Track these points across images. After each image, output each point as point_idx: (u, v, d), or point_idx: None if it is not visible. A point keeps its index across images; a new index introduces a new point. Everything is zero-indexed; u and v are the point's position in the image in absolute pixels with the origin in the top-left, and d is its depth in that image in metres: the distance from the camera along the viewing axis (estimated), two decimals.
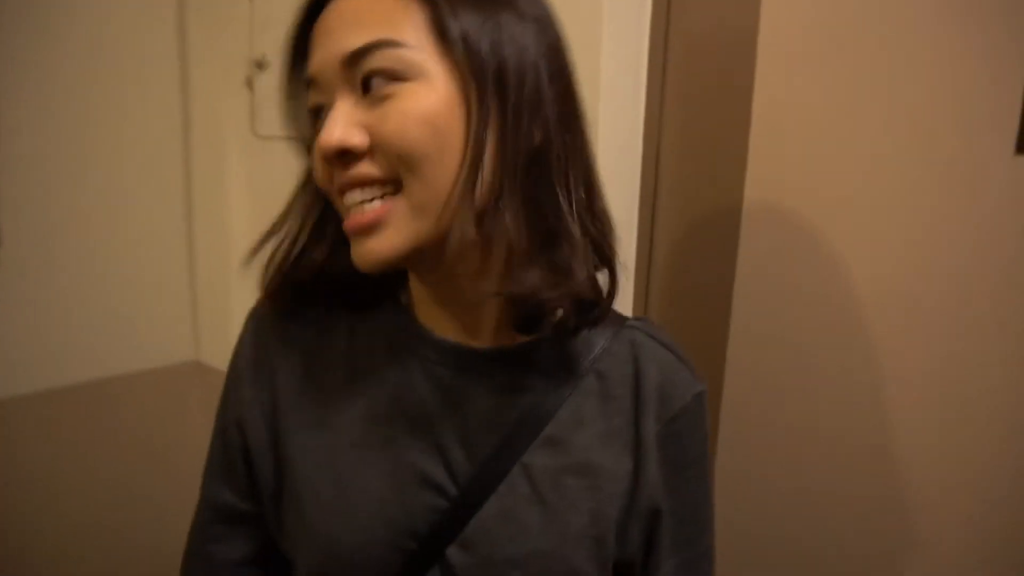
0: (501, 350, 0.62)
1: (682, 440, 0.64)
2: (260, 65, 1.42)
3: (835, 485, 0.99)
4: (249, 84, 1.45)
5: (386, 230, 0.54)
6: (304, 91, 0.57)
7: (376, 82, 0.53)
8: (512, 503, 0.60)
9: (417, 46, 0.53)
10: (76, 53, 1.40)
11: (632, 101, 1.03)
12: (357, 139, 0.53)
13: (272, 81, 1.41)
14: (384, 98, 0.53)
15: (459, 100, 0.53)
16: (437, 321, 0.63)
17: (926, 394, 0.91)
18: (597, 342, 0.64)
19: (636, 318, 0.68)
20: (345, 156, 0.54)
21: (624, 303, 1.03)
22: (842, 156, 0.94)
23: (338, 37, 0.54)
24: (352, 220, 0.55)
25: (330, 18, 0.55)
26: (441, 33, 0.53)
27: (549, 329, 0.58)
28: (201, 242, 1.63)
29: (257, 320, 0.69)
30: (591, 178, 0.60)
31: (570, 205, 0.57)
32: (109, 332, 1.51)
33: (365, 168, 0.54)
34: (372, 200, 0.54)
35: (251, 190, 1.51)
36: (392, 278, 0.65)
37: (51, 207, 1.41)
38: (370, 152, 0.54)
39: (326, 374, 0.65)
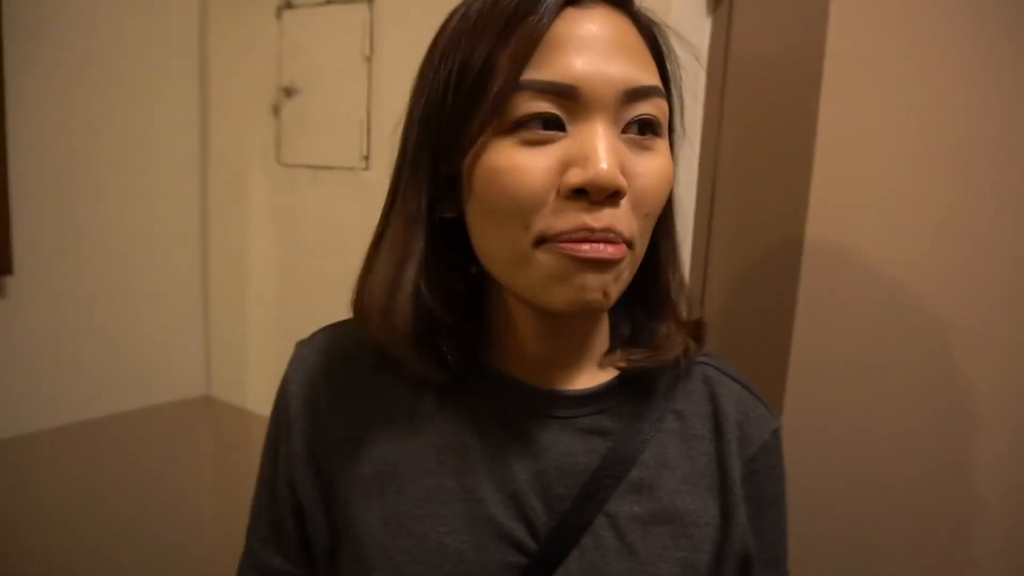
0: (580, 393, 0.59)
1: (762, 479, 0.61)
2: (288, 92, 1.38)
3: (898, 524, 0.94)
4: (275, 111, 1.41)
5: (622, 275, 0.51)
6: (516, 88, 0.48)
7: (645, 130, 0.51)
8: (597, 556, 0.55)
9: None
10: (93, 78, 1.37)
11: (688, 129, 1.00)
12: (626, 183, 0.48)
13: (301, 108, 1.38)
14: (645, 149, 0.51)
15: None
16: (517, 365, 0.59)
17: (995, 424, 0.87)
18: (671, 380, 0.61)
19: (702, 353, 0.64)
20: (605, 195, 0.48)
21: None
22: (910, 192, 0.91)
23: (619, 62, 0.49)
24: (593, 249, 0.48)
25: (600, 35, 0.49)
26: (668, 94, 0.53)
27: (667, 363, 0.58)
28: (216, 273, 1.58)
29: (304, 362, 0.63)
30: None
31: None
32: (120, 366, 1.46)
33: (619, 223, 0.49)
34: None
35: (274, 221, 1.46)
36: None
37: (64, 236, 1.36)
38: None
39: (386, 423, 0.59)
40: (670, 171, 0.52)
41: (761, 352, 1.02)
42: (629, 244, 0.50)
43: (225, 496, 1.61)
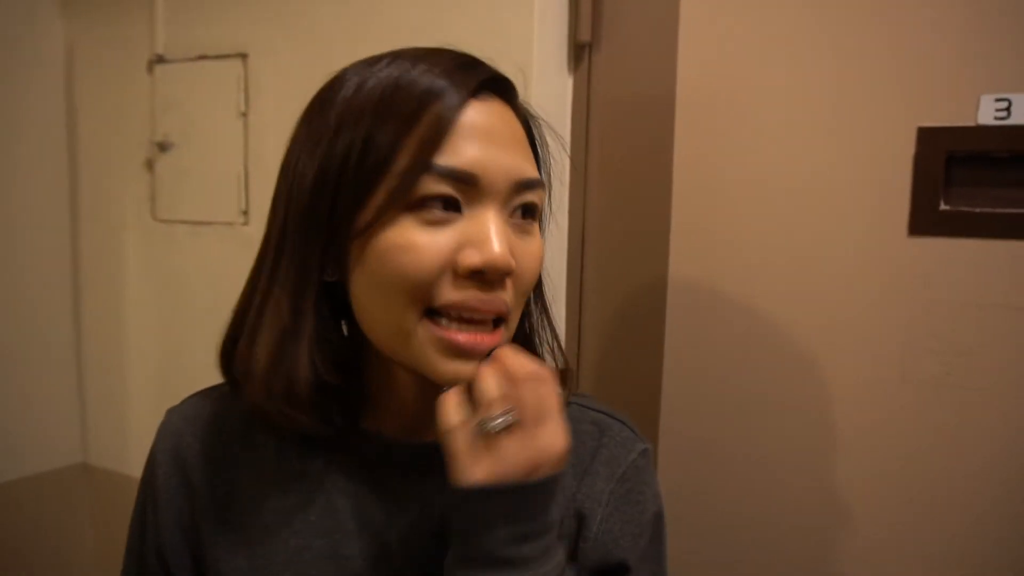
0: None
1: (634, 496, 0.62)
2: (162, 146, 1.36)
3: (766, 547, 1.00)
4: (149, 165, 1.38)
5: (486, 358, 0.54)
6: (426, 170, 0.50)
7: (526, 215, 0.55)
8: None
9: None
10: None
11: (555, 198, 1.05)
12: (514, 264, 0.52)
13: (176, 162, 1.35)
14: (526, 232, 0.55)
15: None
16: (390, 423, 0.60)
17: (856, 444, 0.95)
18: None
19: (572, 395, 0.66)
20: (499, 276, 0.52)
21: None
22: (766, 223, 0.99)
23: (512, 153, 0.53)
24: (475, 339, 0.52)
25: (497, 127, 0.53)
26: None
27: None
28: (91, 334, 1.52)
29: (170, 429, 0.63)
30: None
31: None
32: None
33: (506, 296, 0.53)
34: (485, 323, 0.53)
35: (150, 277, 1.42)
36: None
37: None
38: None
39: (254, 486, 0.60)
40: (542, 251, 0.57)
41: (635, 390, 1.08)
42: (504, 320, 0.54)
43: (106, 565, 1.53)
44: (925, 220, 0.90)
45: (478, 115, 0.52)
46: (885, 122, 0.91)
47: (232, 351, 0.57)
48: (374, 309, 0.53)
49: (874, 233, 0.92)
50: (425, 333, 0.52)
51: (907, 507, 0.93)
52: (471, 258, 0.50)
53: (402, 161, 0.50)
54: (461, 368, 0.52)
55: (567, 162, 1.05)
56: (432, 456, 0.58)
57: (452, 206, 0.51)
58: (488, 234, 0.50)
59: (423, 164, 0.50)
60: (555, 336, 0.64)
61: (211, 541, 0.59)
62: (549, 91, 1.03)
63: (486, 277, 0.51)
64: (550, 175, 0.63)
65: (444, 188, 0.50)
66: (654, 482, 0.65)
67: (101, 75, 1.44)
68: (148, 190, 1.39)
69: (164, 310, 1.41)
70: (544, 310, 0.64)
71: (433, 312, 0.52)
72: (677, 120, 1.03)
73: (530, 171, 0.54)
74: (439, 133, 0.50)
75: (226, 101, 1.28)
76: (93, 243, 1.49)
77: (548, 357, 0.64)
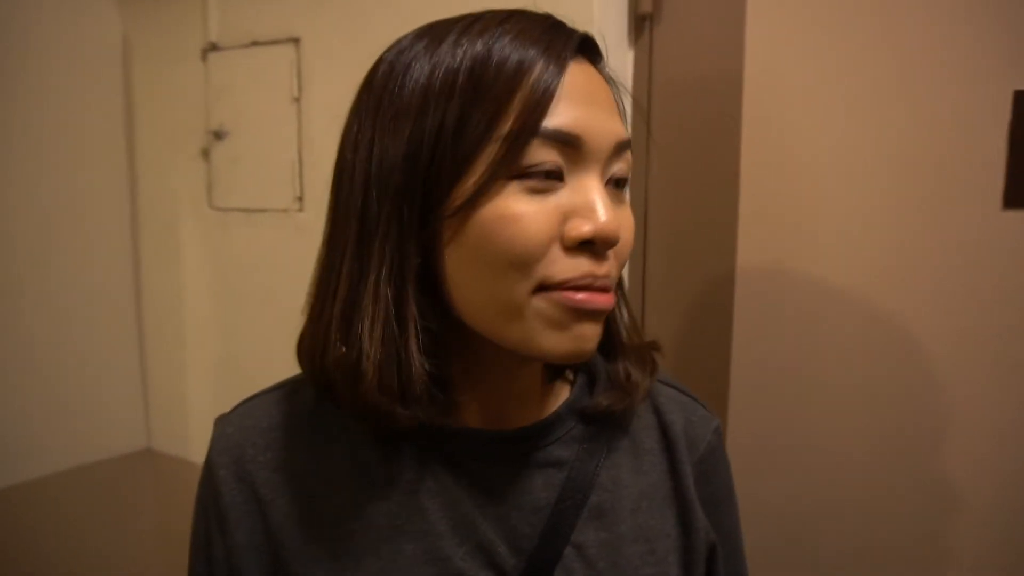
0: (530, 429, 0.58)
1: (713, 477, 0.64)
2: (217, 135, 1.36)
3: (834, 534, 0.96)
4: (205, 154, 1.39)
5: (600, 329, 0.53)
6: (534, 133, 0.48)
7: (622, 182, 0.53)
8: None
9: None
10: (14, 127, 1.32)
11: None
12: (621, 234, 0.51)
13: (231, 150, 1.35)
14: (620, 201, 0.53)
15: None
16: (469, 413, 0.57)
17: (929, 434, 0.90)
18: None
19: None
20: (608, 245, 0.50)
21: None
22: (837, 208, 0.93)
23: (609, 114, 0.52)
24: (593, 299, 0.50)
25: (595, 89, 0.52)
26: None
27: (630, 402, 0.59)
28: (152, 322, 1.54)
29: (229, 442, 0.57)
30: None
31: None
32: (56, 424, 1.40)
33: (611, 267, 0.51)
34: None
35: (208, 266, 1.43)
36: None
37: None
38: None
39: (332, 494, 0.56)
40: (633, 220, 0.55)
41: (702, 377, 1.03)
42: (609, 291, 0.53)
43: (169, 548, 1.56)
44: (1021, 192, 0.83)
45: (576, 77, 0.50)
46: (976, 86, 0.84)
47: (323, 347, 0.52)
48: (478, 288, 0.50)
49: (964, 207, 0.86)
50: (539, 304, 0.49)
51: (1001, 494, 0.87)
52: (580, 228, 0.49)
53: (503, 128, 0.48)
54: (583, 331, 0.50)
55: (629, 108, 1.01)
56: (520, 443, 0.57)
57: (554, 175, 0.49)
58: (595, 203, 0.49)
59: (530, 128, 0.48)
60: (631, 313, 0.62)
61: (293, 557, 0.55)
62: (609, 64, 0.98)
63: (596, 248, 0.49)
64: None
65: (550, 154, 0.48)
66: (725, 459, 0.66)
67: (156, 65, 1.45)
68: (204, 179, 1.40)
69: (222, 297, 1.42)
70: (619, 285, 0.60)
71: (543, 289, 0.49)
72: (745, 98, 0.97)
73: (625, 132, 0.53)
74: (544, 97, 0.48)
75: (279, 87, 1.27)
76: (152, 233, 1.51)
77: (625, 333, 0.62)
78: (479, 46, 0.49)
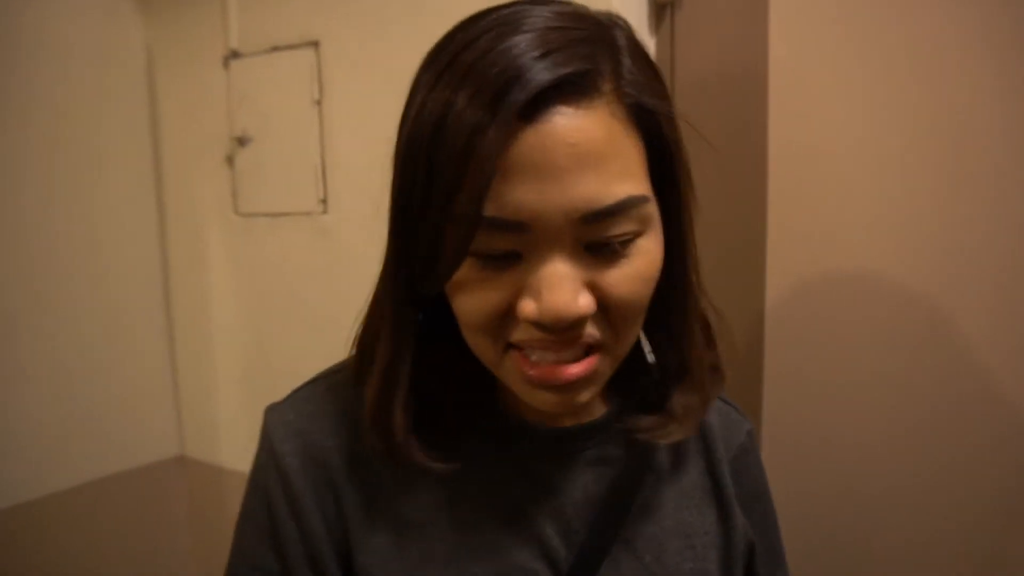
0: (584, 427, 0.59)
1: (745, 476, 0.65)
2: (241, 141, 1.37)
3: (876, 529, 0.93)
4: (229, 161, 1.40)
5: (591, 385, 0.50)
6: (477, 223, 0.44)
7: (616, 245, 0.46)
8: None
9: (650, 193, 0.48)
10: (39, 137, 1.34)
11: None
12: (590, 305, 0.46)
13: (255, 156, 1.36)
14: (618, 258, 0.46)
15: (662, 234, 0.50)
16: (522, 406, 0.57)
17: (968, 427, 0.87)
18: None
19: None
20: (562, 327, 0.46)
21: None
22: (868, 200, 0.90)
23: (571, 182, 0.43)
24: (552, 373, 0.47)
25: (554, 149, 0.43)
26: (659, 168, 0.49)
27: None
28: (182, 329, 1.55)
29: (291, 428, 0.56)
30: None
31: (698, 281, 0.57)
32: (89, 433, 1.42)
33: (588, 331, 0.47)
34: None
35: (235, 272, 1.44)
36: None
37: (23, 302, 1.33)
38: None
39: (394, 484, 0.56)
40: (652, 265, 0.48)
41: (734, 378, 1.01)
42: (601, 346, 0.49)
43: (203, 555, 1.56)
44: None
45: (528, 145, 0.43)
46: (1008, 74, 0.81)
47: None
48: (467, 336, 0.51)
49: (999, 198, 0.83)
50: (509, 364, 0.50)
51: None
52: (527, 309, 0.46)
53: (457, 209, 0.44)
54: (547, 399, 0.49)
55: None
56: (574, 441, 0.58)
57: (511, 254, 0.46)
58: (540, 286, 0.45)
59: (471, 217, 0.43)
60: (708, 330, 0.60)
61: (360, 546, 0.55)
62: None
63: (548, 329, 0.46)
64: (682, 154, 0.51)
65: (499, 239, 0.45)
66: (759, 461, 0.67)
67: (179, 73, 1.46)
68: (229, 185, 1.41)
69: (249, 301, 1.43)
70: (684, 311, 0.55)
71: (513, 347, 0.49)
72: (771, 92, 0.95)
73: (605, 198, 0.44)
74: (482, 178, 0.43)
75: (300, 91, 1.28)
76: (179, 241, 1.52)
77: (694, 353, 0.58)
78: (440, 104, 0.44)
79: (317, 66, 1.26)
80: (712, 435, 0.63)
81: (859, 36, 0.89)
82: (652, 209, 0.48)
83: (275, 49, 1.31)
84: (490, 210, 0.43)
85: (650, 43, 1.01)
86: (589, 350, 0.48)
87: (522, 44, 0.43)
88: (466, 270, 0.47)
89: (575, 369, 0.48)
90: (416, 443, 0.53)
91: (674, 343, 0.56)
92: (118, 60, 1.45)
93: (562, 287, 0.44)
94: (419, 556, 0.55)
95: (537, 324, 0.46)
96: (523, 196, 0.43)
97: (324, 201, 1.28)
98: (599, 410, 0.60)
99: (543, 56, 0.43)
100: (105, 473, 1.45)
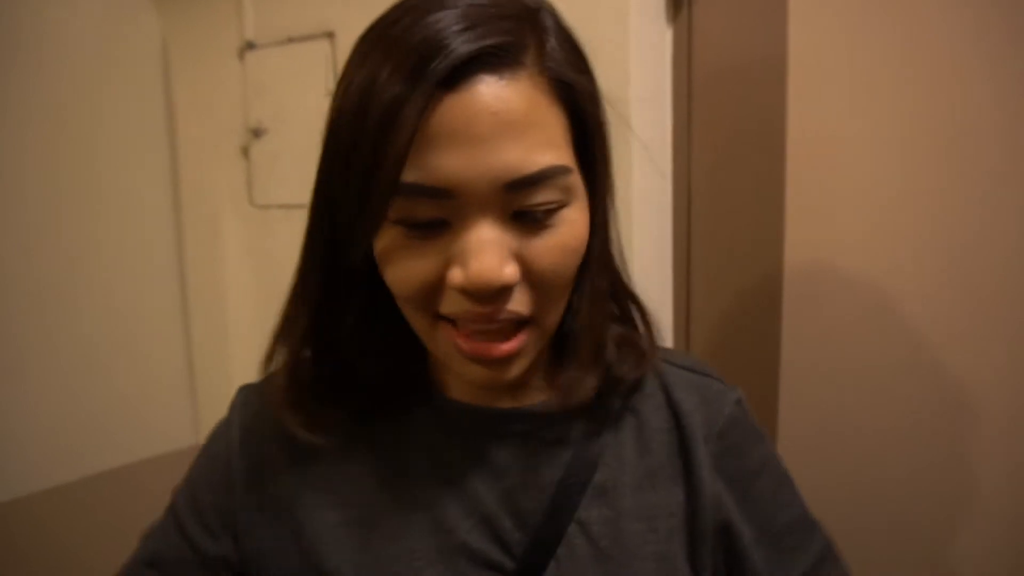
0: (535, 409, 0.58)
1: (738, 450, 0.60)
2: (256, 132, 1.37)
3: (892, 520, 0.92)
4: (245, 152, 1.40)
5: (521, 358, 0.51)
6: (395, 191, 0.45)
7: (539, 214, 0.47)
8: (573, 566, 0.56)
9: (573, 164, 0.49)
10: (55, 129, 1.35)
11: (659, 147, 0.99)
12: (515, 275, 0.47)
13: (270, 147, 1.36)
14: (542, 228, 0.48)
15: (587, 208, 0.51)
16: (464, 388, 0.59)
17: (982, 419, 0.86)
18: (623, 380, 0.60)
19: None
20: (489, 294, 0.47)
21: None
22: (887, 195, 0.89)
23: (494, 150, 0.44)
24: (484, 348, 0.49)
25: (477, 116, 0.44)
26: (583, 144, 0.50)
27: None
28: (197, 320, 1.56)
29: (248, 408, 0.64)
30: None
31: (621, 263, 0.59)
32: (106, 422, 1.43)
33: (514, 305, 0.48)
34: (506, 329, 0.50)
35: (251, 261, 1.44)
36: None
37: (39, 295, 1.34)
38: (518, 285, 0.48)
39: (343, 463, 0.59)
40: (577, 236, 0.49)
41: (751, 363, 1.01)
42: (531, 319, 0.50)
43: None
44: None
45: (451, 113, 0.44)
46: None
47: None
48: (400, 305, 0.52)
49: (1019, 192, 0.81)
50: (442, 336, 0.51)
51: None
52: (455, 277, 0.47)
53: (377, 179, 0.45)
54: (480, 374, 0.51)
55: (668, 123, 0.99)
56: (525, 422, 0.58)
57: (435, 223, 0.47)
58: (468, 252, 0.46)
59: (390, 185, 0.44)
60: (633, 299, 0.61)
61: (306, 524, 0.58)
62: (647, 40, 0.96)
63: (475, 296, 0.47)
64: (604, 130, 0.53)
65: (422, 206, 0.46)
66: (755, 430, 0.62)
67: (195, 65, 1.47)
68: (244, 176, 1.41)
69: (265, 292, 1.44)
70: (596, 285, 0.55)
71: (443, 318, 0.50)
72: (789, 81, 0.94)
73: (528, 165, 0.45)
74: (403, 146, 0.44)
75: (315, 82, 1.27)
76: (195, 232, 1.53)
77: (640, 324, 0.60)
78: (365, 78, 0.45)
79: (332, 57, 1.26)
80: (684, 412, 0.59)
81: (878, 24, 0.88)
82: (575, 181, 0.49)
83: (290, 40, 1.31)
84: (412, 176, 0.45)
85: (668, 32, 1.00)
86: (519, 328, 0.50)
87: (446, 19, 0.45)
88: (394, 238, 0.48)
89: (506, 346, 0.49)
90: (334, 419, 0.56)
91: (573, 314, 0.55)
92: (133, 52, 1.46)
93: (489, 252, 0.46)
94: (365, 534, 0.56)
95: (464, 291, 0.46)
96: (446, 163, 0.44)
97: None
98: (547, 392, 0.59)
99: (466, 29, 0.44)
100: (123, 462, 1.46)
